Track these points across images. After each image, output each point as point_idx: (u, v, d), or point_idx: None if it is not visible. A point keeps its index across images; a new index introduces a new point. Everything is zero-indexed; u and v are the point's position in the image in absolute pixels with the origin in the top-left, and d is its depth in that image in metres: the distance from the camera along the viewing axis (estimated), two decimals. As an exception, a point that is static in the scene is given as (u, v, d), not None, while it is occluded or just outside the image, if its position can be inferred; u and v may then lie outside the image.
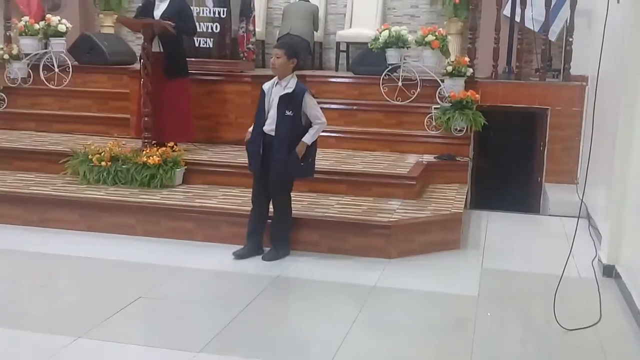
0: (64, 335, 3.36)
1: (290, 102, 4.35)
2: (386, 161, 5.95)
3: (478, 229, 5.52)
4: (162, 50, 5.81)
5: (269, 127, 4.42)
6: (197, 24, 6.34)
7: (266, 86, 4.48)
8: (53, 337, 3.35)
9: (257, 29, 7.70)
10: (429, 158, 6.07)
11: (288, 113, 4.34)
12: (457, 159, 6.09)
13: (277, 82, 4.44)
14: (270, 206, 4.58)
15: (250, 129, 4.55)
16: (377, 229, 4.67)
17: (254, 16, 7.18)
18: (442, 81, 6.53)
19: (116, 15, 8.78)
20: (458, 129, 6.22)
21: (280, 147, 4.35)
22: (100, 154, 5.57)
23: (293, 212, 4.64)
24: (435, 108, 6.36)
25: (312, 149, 4.47)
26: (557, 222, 5.81)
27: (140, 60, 5.86)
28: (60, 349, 3.25)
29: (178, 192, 5.37)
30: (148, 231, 4.95)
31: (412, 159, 6.06)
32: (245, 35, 6.85)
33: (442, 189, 5.75)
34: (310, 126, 4.43)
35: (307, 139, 4.41)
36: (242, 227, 4.66)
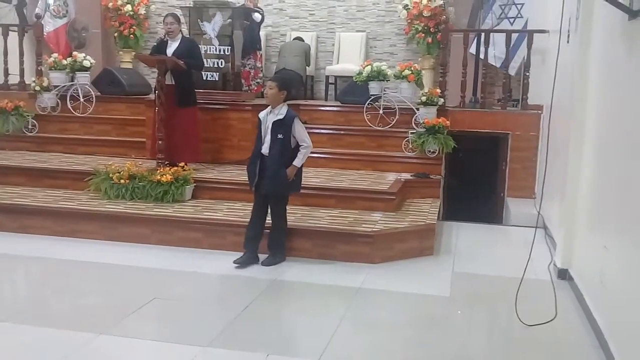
0: (88, 332, 3.34)
1: (282, 126, 4.38)
2: (369, 179, 5.96)
3: (449, 237, 5.54)
4: (174, 82, 5.83)
5: (265, 149, 4.44)
6: (204, 60, 6.36)
7: (262, 114, 4.50)
8: (77, 333, 3.33)
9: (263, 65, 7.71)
10: (406, 176, 6.09)
11: (279, 136, 4.37)
12: (431, 177, 6.11)
13: (270, 111, 4.46)
14: (268, 217, 4.57)
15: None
16: (361, 238, 4.68)
17: (260, 54, 7.20)
18: (418, 109, 6.56)
19: (134, 53, 8.81)
20: (431, 150, 6.24)
21: (271, 165, 4.38)
22: (119, 172, 5.56)
23: (288, 222, 4.64)
24: (411, 133, 6.38)
25: (299, 169, 4.49)
26: (518, 232, 5.83)
27: (155, 91, 5.86)
28: (84, 343, 3.22)
29: (188, 206, 5.36)
30: (161, 240, 4.94)
31: (391, 177, 6.07)
32: (252, 70, 6.86)
33: (418, 203, 5.77)
34: (299, 149, 4.44)
35: (297, 162, 4.43)
36: (243, 237, 4.64)
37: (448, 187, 6.99)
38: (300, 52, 8.26)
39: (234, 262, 4.50)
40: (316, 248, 4.70)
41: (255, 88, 6.88)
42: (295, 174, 4.46)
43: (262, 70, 7.05)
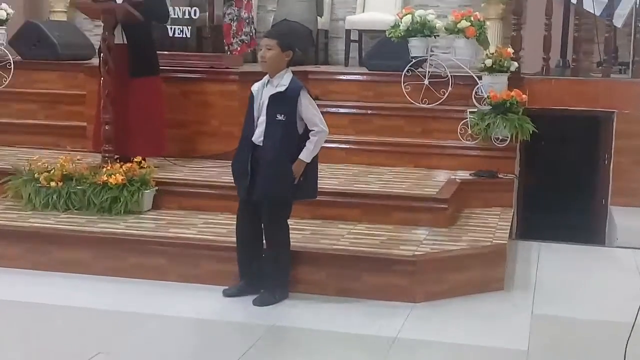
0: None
1: (282, 102, 4.38)
2: (409, 179, 5.95)
3: (527, 264, 5.51)
4: (126, 42, 5.85)
5: (258, 137, 4.44)
6: (170, 8, 6.40)
7: (255, 87, 4.50)
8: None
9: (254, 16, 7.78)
10: (463, 175, 6.07)
11: (279, 117, 4.37)
12: (500, 176, 6.10)
13: (268, 81, 4.47)
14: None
15: None
16: (398, 265, 4.67)
17: (250, 0, 7.22)
18: (480, 78, 6.55)
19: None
20: (500, 138, 6.23)
21: (267, 160, 4.37)
22: (49, 172, 5.58)
23: (292, 244, 4.63)
24: (471, 112, 6.37)
25: (311, 164, 4.49)
26: (628, 256, 5.79)
27: (99, 55, 5.90)
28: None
29: (147, 219, 5.37)
30: (109, 269, 4.96)
31: (442, 176, 6.06)
32: (233, 23, 6.88)
33: (481, 213, 5.75)
34: (309, 136, 4.44)
35: (305, 155, 4.42)
36: (227, 264, 4.67)
37: (525, 190, 6.97)
38: (308, -5, 8.32)
39: (224, 292, 4.54)
40: (332, 280, 4.70)
41: (238, 48, 6.90)
42: (303, 172, 4.46)
43: (250, 22, 7.05)
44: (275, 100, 4.39)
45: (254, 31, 7.34)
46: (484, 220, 5.60)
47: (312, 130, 4.43)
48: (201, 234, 5.07)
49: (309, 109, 4.43)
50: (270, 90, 4.44)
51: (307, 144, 4.42)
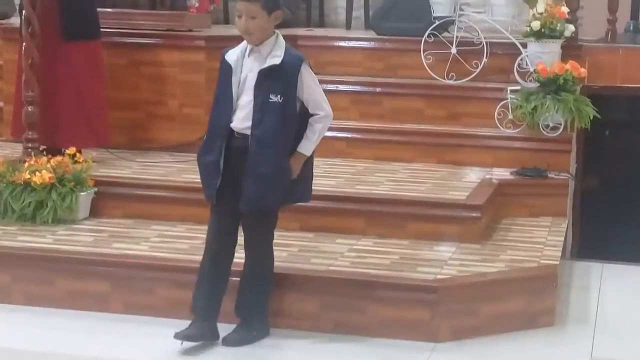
0: None
1: (277, 79, 4.35)
2: (431, 179, 5.98)
3: (585, 292, 5.52)
4: (57, -5, 5.87)
5: (241, 122, 4.40)
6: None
7: (232, 56, 4.47)
8: None
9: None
10: (502, 174, 6.11)
11: (274, 98, 4.34)
12: (550, 175, 6.13)
13: (251, 49, 4.45)
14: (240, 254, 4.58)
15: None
16: (416, 293, 4.67)
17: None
18: (525, 46, 6.57)
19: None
20: (551, 125, 6.25)
21: (262, 157, 4.34)
22: (-47, 167, 5.60)
23: (276, 263, 4.64)
24: (512, 91, 6.40)
25: (308, 159, 4.51)
26: None
27: (21, 13, 5.89)
28: None
29: (83, 230, 5.39)
30: (33, 296, 4.95)
31: (474, 175, 6.10)
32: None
33: (525, 225, 5.77)
34: (308, 122, 4.44)
35: (307, 148, 4.42)
36: (188, 290, 4.63)
37: (583, 194, 7.00)
38: None
39: (176, 336, 4.49)
40: (328, 312, 4.71)
41: (196, 4, 6.89)
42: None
43: None
44: (268, 76, 4.35)
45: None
46: (528, 233, 5.61)
47: (315, 115, 4.43)
48: (155, 251, 5.07)
49: (312, 88, 4.42)
50: (258, 62, 4.39)
51: (307, 132, 4.42)
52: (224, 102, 4.45)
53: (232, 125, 4.40)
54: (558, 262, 5.12)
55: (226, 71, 4.45)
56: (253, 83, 4.38)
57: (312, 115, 4.43)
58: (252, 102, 4.37)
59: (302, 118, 4.44)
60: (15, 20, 6.84)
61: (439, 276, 4.78)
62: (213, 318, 4.52)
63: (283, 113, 4.36)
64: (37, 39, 5.76)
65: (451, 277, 4.78)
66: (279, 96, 4.34)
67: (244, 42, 4.47)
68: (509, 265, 5.02)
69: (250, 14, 4.33)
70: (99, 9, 6.15)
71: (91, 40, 6.04)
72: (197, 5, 7.00)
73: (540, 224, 5.84)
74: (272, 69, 4.35)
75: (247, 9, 4.34)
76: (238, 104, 4.42)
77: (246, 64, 4.43)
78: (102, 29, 6.15)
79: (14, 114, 6.08)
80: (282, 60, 4.36)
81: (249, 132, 4.37)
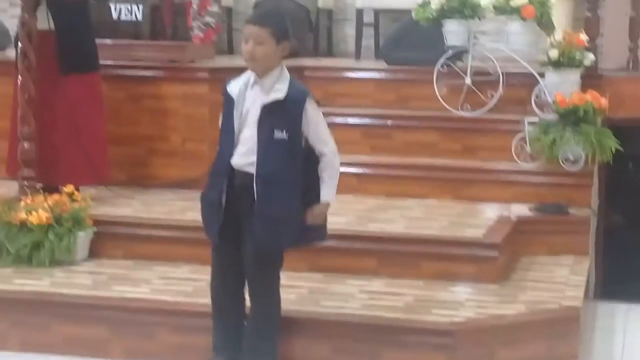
0: None
1: (281, 114, 4.31)
2: (446, 216, 5.94)
3: (610, 335, 5.49)
4: (54, 27, 5.87)
5: (243, 159, 4.35)
6: (116, -20, 6.42)
7: (233, 88, 4.43)
8: None
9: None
10: (520, 210, 6.06)
11: (279, 135, 4.31)
12: (570, 211, 6.07)
13: (254, 82, 4.41)
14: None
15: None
16: (431, 337, 4.61)
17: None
18: (542, 76, 6.54)
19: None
20: (571, 159, 6.20)
21: (270, 198, 4.30)
22: (-56, 207, 5.56)
23: (283, 307, 4.57)
24: (530, 123, 6.36)
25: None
26: None
27: (17, 45, 5.89)
28: None
29: (81, 273, 5.35)
30: (29, 342, 4.92)
31: (490, 211, 6.06)
32: (196, 0, 6.86)
33: (545, 264, 5.73)
34: (315, 161, 4.37)
35: (329, 193, 4.36)
36: (193, 335, 4.63)
37: (607, 231, 6.96)
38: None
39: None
40: (340, 357, 4.67)
41: (201, 35, 6.90)
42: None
43: (216, 0, 7.04)
44: (271, 111, 4.31)
45: (222, 11, 7.33)
46: (549, 273, 5.57)
47: (323, 156, 4.37)
48: (157, 294, 5.03)
49: (317, 125, 4.37)
50: (261, 97, 4.36)
51: (323, 177, 4.36)
52: (225, 137, 4.42)
53: (233, 161, 4.35)
54: (581, 304, 5.06)
55: (228, 104, 4.42)
56: (256, 118, 4.34)
57: (316, 152, 4.38)
58: (255, 138, 4.33)
59: (308, 154, 4.40)
60: (10, 53, 6.84)
61: (456, 319, 4.72)
62: (231, 353, 4.52)
63: (288, 150, 4.32)
64: (33, 72, 5.75)
65: (468, 320, 4.73)
66: (283, 132, 4.30)
67: (247, 73, 4.44)
68: (529, 307, 4.96)
69: (258, 39, 4.30)
70: (98, 41, 6.14)
71: (90, 73, 6.03)
72: (201, 35, 7.00)
73: (561, 262, 5.78)
74: (275, 103, 4.32)
75: (255, 33, 4.31)
76: (239, 139, 4.38)
77: (249, 97, 4.38)
78: (100, 62, 6.14)
79: (9, 150, 6.06)
80: (286, 95, 4.33)
81: (250, 169, 4.33)
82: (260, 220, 4.30)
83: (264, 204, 4.29)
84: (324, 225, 4.53)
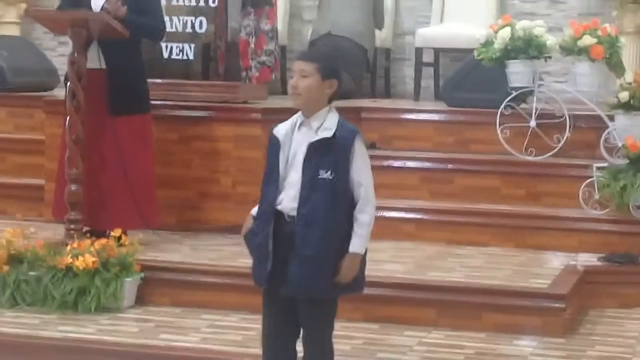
0: None
1: (328, 154, 4.30)
2: (509, 265, 5.93)
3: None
4: (104, 66, 5.96)
5: (290, 202, 4.35)
6: (166, 18, 6.48)
7: (280, 130, 4.42)
8: None
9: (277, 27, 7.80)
10: (588, 259, 6.04)
11: (324, 175, 4.29)
12: (643, 261, 6.05)
13: (301, 122, 4.45)
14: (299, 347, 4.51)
15: (254, 211, 4.51)
16: (494, 393, 4.65)
17: (273, 6, 7.26)
18: (612, 119, 6.53)
19: (25, 5, 9.01)
20: (643, 206, 6.19)
21: (308, 238, 4.28)
22: (-10, 250, 5.66)
23: (337, 358, 4.51)
24: (598, 168, 6.35)
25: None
26: None
27: (66, 85, 5.97)
28: None
29: (128, 320, 5.40)
30: (73, 392, 4.97)
31: (557, 260, 6.04)
32: (251, 38, 6.92)
33: (616, 317, 5.68)
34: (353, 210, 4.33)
35: (360, 244, 4.28)
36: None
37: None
38: (362, 0, 8.38)
39: None
40: (396, 413, 4.68)
41: (257, 74, 6.93)
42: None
43: (273, 37, 7.09)
44: (318, 151, 4.31)
45: (278, 49, 7.37)
46: (619, 327, 5.53)
47: (361, 203, 4.33)
48: (206, 343, 5.05)
49: (361, 167, 4.34)
50: (307, 136, 4.36)
51: (355, 228, 4.30)
52: (271, 181, 4.41)
53: (281, 207, 4.34)
54: None
55: (274, 147, 4.41)
56: (302, 158, 4.32)
57: (353, 199, 4.32)
58: (300, 180, 4.31)
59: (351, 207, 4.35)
60: (59, 92, 6.94)
61: (520, 374, 4.72)
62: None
63: (333, 191, 4.29)
64: (82, 113, 5.83)
65: (533, 376, 4.74)
66: (329, 172, 4.28)
67: (295, 116, 4.43)
68: (599, 362, 4.95)
69: (302, 72, 4.31)
70: (149, 80, 6.22)
71: (140, 115, 6.11)
72: (257, 75, 7.07)
73: (632, 316, 5.73)
74: (323, 142, 4.30)
75: (300, 67, 4.33)
76: (287, 183, 4.36)
77: (295, 139, 4.38)
78: (152, 102, 6.22)
79: (56, 192, 6.11)
80: (334, 134, 4.32)
81: (295, 212, 4.30)
82: (297, 260, 4.28)
83: (302, 243, 4.27)
84: (360, 276, 4.42)
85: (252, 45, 6.97)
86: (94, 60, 5.92)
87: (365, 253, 4.40)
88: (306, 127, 4.37)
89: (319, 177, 4.29)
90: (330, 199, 4.29)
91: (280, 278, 4.35)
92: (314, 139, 4.32)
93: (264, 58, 7.02)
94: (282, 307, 4.42)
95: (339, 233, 4.32)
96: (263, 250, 4.37)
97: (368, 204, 4.34)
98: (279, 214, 4.35)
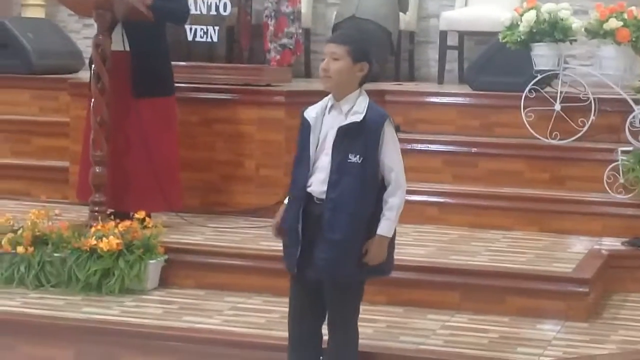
0: None
1: (358, 137, 4.32)
2: (533, 249, 5.92)
3: None
4: (129, 48, 5.98)
5: (320, 186, 4.36)
6: (190, 0, 6.51)
7: (311, 113, 4.45)
8: None
9: (301, 10, 7.80)
10: (612, 244, 6.02)
11: (353, 159, 4.31)
12: (668, 247, 6.02)
13: (331, 105, 4.45)
14: (325, 330, 4.52)
15: (287, 200, 4.50)
16: (516, 376, 4.62)
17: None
18: (638, 102, 6.51)
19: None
20: (667, 190, 6.16)
21: (336, 222, 4.30)
22: (14, 232, 5.68)
23: (360, 341, 4.56)
24: (623, 152, 6.33)
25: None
26: None
27: (90, 67, 6.01)
28: None
29: (152, 302, 5.42)
30: (98, 372, 4.98)
31: (580, 245, 6.02)
32: (275, 20, 6.92)
33: (639, 302, 5.66)
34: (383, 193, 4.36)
35: (388, 227, 4.31)
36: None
37: None
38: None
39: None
40: (418, 396, 4.66)
41: (277, 57, 6.92)
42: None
43: (295, 19, 7.07)
44: (348, 135, 4.33)
45: (300, 31, 7.37)
46: (644, 311, 5.52)
47: (389, 185, 4.35)
48: (229, 325, 5.07)
49: (391, 151, 4.36)
50: (337, 119, 4.37)
51: (385, 211, 4.32)
52: (301, 164, 4.43)
53: (310, 189, 4.37)
54: None
55: (305, 129, 4.43)
56: (332, 141, 4.34)
57: (385, 180, 4.35)
58: (330, 163, 4.33)
59: (382, 191, 4.37)
60: (84, 75, 6.97)
61: (543, 358, 4.70)
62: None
63: (362, 175, 4.31)
64: (106, 95, 5.85)
65: (556, 359, 4.70)
66: (358, 156, 4.30)
67: (325, 99, 4.45)
68: (621, 347, 4.91)
69: (334, 55, 4.33)
70: (173, 63, 6.24)
71: (164, 97, 6.13)
72: (278, 57, 7.07)
73: (656, 300, 5.73)
74: (352, 126, 4.32)
75: (332, 49, 4.34)
76: (317, 166, 4.38)
77: (326, 122, 4.40)
78: (176, 84, 6.25)
79: (80, 175, 6.16)
80: (364, 117, 4.33)
81: (324, 195, 4.32)
82: (324, 244, 4.30)
83: (329, 227, 4.29)
84: (389, 258, 4.45)
85: (272, 28, 6.95)
86: (118, 42, 5.95)
87: (394, 236, 4.43)
88: (336, 111, 4.40)
89: (349, 160, 4.31)
90: (359, 183, 4.31)
91: (308, 261, 4.37)
92: (344, 123, 4.34)
93: (285, 40, 7.01)
94: (308, 290, 4.45)
95: (367, 217, 4.34)
96: (293, 233, 4.40)
97: (399, 188, 4.36)
98: (309, 197, 4.39)
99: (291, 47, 7.12)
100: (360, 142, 4.32)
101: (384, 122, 4.34)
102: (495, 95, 7.13)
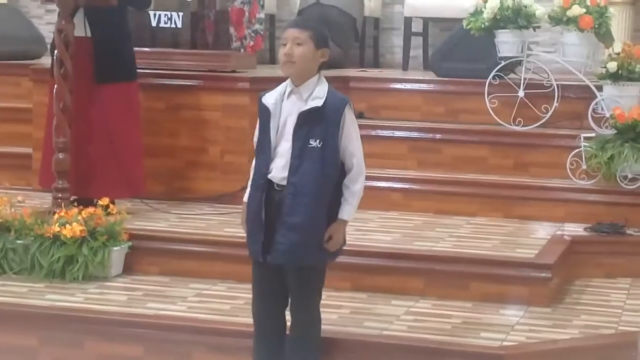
0: None
1: (318, 123, 4.33)
2: (496, 235, 5.95)
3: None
4: (91, 34, 5.96)
5: (281, 172, 4.37)
6: (155, -14, 6.51)
7: (269, 99, 4.44)
8: None
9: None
10: (575, 229, 6.06)
11: (313, 143, 4.33)
12: (629, 231, 6.05)
13: (290, 91, 4.46)
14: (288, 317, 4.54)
15: (246, 197, 4.49)
16: (480, 361, 4.66)
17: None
18: (600, 89, 6.55)
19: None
20: (629, 176, 6.19)
21: (296, 206, 4.31)
22: (-23, 219, 5.67)
23: (323, 327, 4.58)
24: (586, 138, 6.36)
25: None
26: None
27: (52, 53, 5.98)
28: None
29: (115, 289, 5.41)
30: (60, 360, 4.98)
31: (543, 230, 6.05)
32: (246, 6, 6.89)
33: (601, 287, 5.70)
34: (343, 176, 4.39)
35: (349, 212, 4.36)
36: (228, 355, 4.64)
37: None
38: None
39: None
40: (383, 382, 4.68)
41: (251, 43, 6.91)
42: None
43: (263, 5, 7.06)
44: (308, 120, 4.33)
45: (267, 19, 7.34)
46: (605, 296, 5.54)
47: (349, 171, 4.38)
48: (193, 311, 5.07)
49: (350, 135, 4.38)
50: (297, 105, 4.37)
51: (346, 195, 4.36)
52: (262, 150, 4.44)
53: (271, 175, 4.37)
54: (639, 329, 5.02)
55: (264, 116, 4.43)
56: (292, 127, 4.35)
57: (345, 166, 4.37)
58: (290, 148, 4.34)
59: (341, 176, 4.39)
60: (46, 61, 6.93)
61: (506, 343, 4.71)
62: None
63: (322, 159, 4.32)
64: (69, 81, 5.83)
65: (519, 344, 4.72)
66: (318, 141, 4.31)
67: (283, 84, 4.45)
68: (583, 332, 4.95)
69: (297, 40, 4.32)
70: (136, 49, 6.22)
71: (127, 82, 6.11)
72: (252, 44, 7.06)
73: (617, 285, 5.75)
74: (312, 111, 4.32)
75: (294, 34, 4.33)
76: (277, 152, 4.39)
77: (285, 107, 4.40)
78: (139, 70, 6.23)
79: (43, 161, 6.15)
80: (324, 102, 4.34)
81: (285, 182, 4.34)
82: (284, 229, 4.31)
83: (290, 211, 4.30)
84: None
85: (247, 14, 6.94)
86: (80, 28, 5.92)
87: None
88: (296, 96, 4.39)
89: (309, 145, 4.32)
90: (320, 167, 4.32)
91: (270, 247, 4.37)
92: (304, 108, 4.34)
93: (257, 26, 7.00)
94: (270, 275, 4.45)
95: (327, 201, 4.36)
96: (256, 220, 4.40)
97: (360, 174, 4.38)
98: (270, 183, 4.39)
99: (261, 32, 7.11)
100: (321, 127, 4.33)
101: (344, 107, 4.36)
102: (459, 82, 7.16)
